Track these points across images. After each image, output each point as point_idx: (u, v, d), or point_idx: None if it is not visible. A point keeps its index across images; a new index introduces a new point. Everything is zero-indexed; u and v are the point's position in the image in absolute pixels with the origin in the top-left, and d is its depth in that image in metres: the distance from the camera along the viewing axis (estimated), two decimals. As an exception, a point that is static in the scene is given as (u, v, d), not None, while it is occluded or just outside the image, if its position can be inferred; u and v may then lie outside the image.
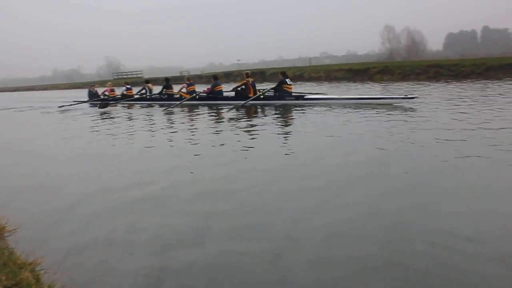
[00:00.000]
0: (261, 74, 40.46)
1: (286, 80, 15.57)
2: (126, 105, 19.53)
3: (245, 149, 7.52)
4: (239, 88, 16.53)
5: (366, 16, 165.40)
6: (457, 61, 32.85)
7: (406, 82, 26.99)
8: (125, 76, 66.94)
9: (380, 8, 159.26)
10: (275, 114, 12.77)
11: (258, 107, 15.02)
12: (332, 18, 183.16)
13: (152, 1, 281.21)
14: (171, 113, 14.78)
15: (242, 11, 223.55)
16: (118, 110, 17.25)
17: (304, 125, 10.20)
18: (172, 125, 11.49)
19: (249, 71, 17.19)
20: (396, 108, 12.37)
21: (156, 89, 20.61)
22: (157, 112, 15.31)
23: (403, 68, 33.01)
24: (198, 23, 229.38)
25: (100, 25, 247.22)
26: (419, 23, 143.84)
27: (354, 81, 31.16)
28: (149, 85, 20.99)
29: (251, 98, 15.47)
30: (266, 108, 14.49)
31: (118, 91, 22.77)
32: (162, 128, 10.89)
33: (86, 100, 21.79)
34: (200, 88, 18.91)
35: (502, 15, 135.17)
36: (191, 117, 13.18)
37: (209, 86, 17.62)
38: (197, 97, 17.28)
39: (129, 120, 13.46)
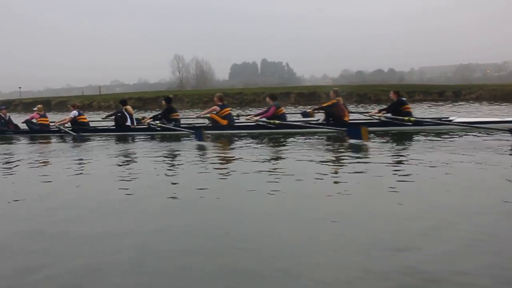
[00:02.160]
0: (46, 103, 37.81)
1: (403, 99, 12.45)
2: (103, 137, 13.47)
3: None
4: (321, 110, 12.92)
5: (158, 45, 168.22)
6: (241, 90, 35.67)
7: (195, 110, 28.14)
8: None
9: (170, 38, 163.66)
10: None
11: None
12: (125, 46, 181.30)
13: None
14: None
15: (24, 33, 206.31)
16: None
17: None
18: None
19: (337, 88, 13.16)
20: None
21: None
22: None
23: (191, 96, 34.41)
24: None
25: None
26: (207, 53, 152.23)
27: (145, 109, 31.28)
28: (128, 107, 14.58)
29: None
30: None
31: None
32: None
33: None
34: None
35: (278, 49, 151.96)
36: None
37: (264, 109, 13.06)
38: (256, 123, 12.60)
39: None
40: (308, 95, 33.48)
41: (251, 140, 10.78)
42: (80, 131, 13.81)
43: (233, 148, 9.94)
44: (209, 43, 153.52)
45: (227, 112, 12.95)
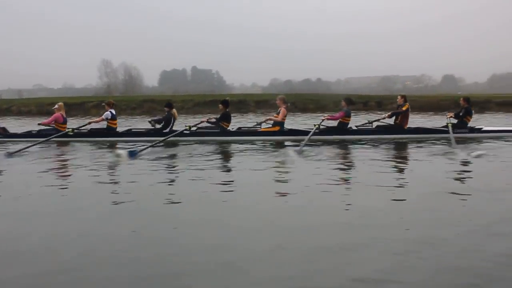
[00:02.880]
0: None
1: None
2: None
3: None
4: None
5: (84, 49, 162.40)
6: (170, 97, 35.22)
7: (123, 117, 27.51)
8: None
9: (97, 42, 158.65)
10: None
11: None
12: (49, 49, 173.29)
13: None
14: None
15: None
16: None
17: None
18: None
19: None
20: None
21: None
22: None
23: (118, 102, 33.48)
24: None
25: None
26: (136, 59, 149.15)
27: (71, 115, 30.08)
28: (175, 111, 13.47)
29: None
30: None
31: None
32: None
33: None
34: None
35: (207, 57, 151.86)
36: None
37: (337, 114, 12.89)
38: (317, 130, 12.19)
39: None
40: (237, 103, 33.74)
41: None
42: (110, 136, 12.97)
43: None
44: (138, 46, 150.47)
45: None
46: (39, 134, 13.06)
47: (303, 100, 35.05)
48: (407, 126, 12.87)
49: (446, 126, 12.41)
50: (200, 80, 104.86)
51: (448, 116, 12.88)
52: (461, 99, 13.56)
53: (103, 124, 13.37)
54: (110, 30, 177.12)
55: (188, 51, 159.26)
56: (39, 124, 13.28)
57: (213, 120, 12.93)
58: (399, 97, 13.23)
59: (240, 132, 13.05)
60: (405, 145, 11.50)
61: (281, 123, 12.68)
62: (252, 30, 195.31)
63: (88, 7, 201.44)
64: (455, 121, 12.89)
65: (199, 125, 12.96)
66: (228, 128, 12.81)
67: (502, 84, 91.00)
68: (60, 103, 13.50)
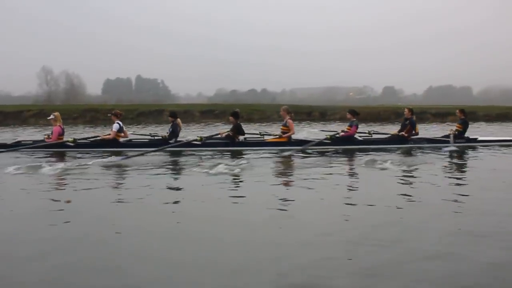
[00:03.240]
0: None
1: None
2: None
3: None
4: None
5: (22, 56, 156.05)
6: (113, 106, 34.57)
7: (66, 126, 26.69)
8: None
9: (36, 49, 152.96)
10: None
11: None
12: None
13: None
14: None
15: None
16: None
17: None
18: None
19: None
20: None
21: None
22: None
23: (59, 112, 32.53)
24: None
25: None
26: (78, 67, 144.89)
27: (7, 125, 28.93)
28: (179, 121, 13.25)
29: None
30: None
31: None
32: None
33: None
34: None
35: (153, 65, 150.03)
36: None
37: (351, 129, 13.25)
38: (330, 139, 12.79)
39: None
40: (182, 113, 33.50)
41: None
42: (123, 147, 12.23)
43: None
44: (81, 54, 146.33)
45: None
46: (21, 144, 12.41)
47: (248, 111, 35.33)
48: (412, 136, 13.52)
49: (448, 136, 13.42)
50: (145, 90, 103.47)
51: (451, 132, 13.51)
52: (458, 111, 14.33)
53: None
54: (52, 36, 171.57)
55: (133, 59, 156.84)
56: (46, 139, 12.37)
57: (228, 134, 12.80)
58: (406, 110, 13.68)
59: (249, 143, 13.03)
60: (410, 154, 12.21)
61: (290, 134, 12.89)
62: (200, 39, 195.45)
63: (26, 13, 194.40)
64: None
65: (214, 137, 13.04)
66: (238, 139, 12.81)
67: (437, 96, 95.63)
68: (56, 113, 12.47)
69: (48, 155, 11.35)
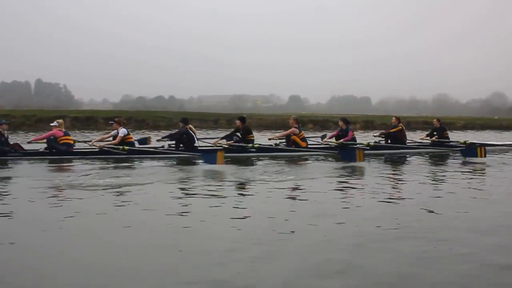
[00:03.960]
0: None
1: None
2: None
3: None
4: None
5: None
6: (9, 112, 32.71)
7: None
8: None
9: None
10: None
11: None
12: None
13: None
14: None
15: None
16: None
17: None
18: None
19: None
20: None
21: None
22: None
23: None
24: None
25: None
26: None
27: None
28: (191, 126, 13.31)
29: None
30: None
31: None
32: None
33: None
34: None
35: (55, 69, 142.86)
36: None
37: (349, 135, 14.08)
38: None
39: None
40: (84, 120, 32.62)
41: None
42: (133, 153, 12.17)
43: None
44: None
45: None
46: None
47: (155, 118, 35.06)
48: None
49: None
50: (46, 94, 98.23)
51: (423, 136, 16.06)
52: (435, 120, 16.18)
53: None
54: None
55: (32, 62, 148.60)
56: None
57: (237, 138, 13.09)
58: (394, 118, 15.04)
59: (270, 148, 13.41)
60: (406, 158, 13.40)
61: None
62: (107, 40, 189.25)
63: None
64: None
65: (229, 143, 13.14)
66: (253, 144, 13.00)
67: (340, 105, 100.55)
68: (60, 120, 12.36)
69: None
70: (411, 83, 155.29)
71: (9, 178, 8.96)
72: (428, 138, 15.75)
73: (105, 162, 11.31)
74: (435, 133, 15.80)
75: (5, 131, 11.72)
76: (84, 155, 12.19)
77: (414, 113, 69.09)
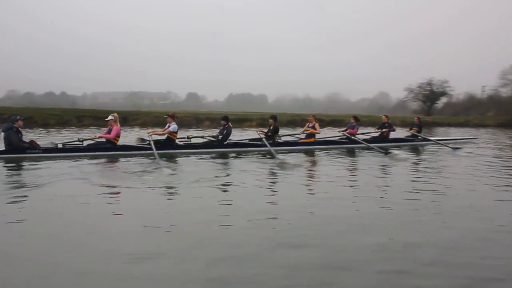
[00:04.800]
0: None
1: None
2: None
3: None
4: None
5: None
6: None
7: None
8: None
9: None
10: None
11: None
12: None
13: None
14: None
15: None
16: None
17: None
18: None
19: None
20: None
21: None
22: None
23: None
24: None
25: None
26: None
27: None
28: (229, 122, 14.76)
29: None
30: None
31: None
32: None
33: None
34: None
35: None
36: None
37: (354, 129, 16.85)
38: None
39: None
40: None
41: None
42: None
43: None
44: None
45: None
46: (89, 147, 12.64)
47: (45, 115, 33.09)
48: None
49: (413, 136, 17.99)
50: None
51: (410, 130, 18.44)
52: (384, 116, 17.80)
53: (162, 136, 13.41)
54: None
55: None
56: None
57: (269, 134, 14.57)
58: (383, 116, 17.74)
59: (283, 143, 15.31)
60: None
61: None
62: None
63: None
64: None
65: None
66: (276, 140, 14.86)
67: (237, 102, 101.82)
68: (115, 114, 13.01)
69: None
70: (307, 83, 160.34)
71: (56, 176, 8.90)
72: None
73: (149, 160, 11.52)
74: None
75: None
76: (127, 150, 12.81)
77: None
